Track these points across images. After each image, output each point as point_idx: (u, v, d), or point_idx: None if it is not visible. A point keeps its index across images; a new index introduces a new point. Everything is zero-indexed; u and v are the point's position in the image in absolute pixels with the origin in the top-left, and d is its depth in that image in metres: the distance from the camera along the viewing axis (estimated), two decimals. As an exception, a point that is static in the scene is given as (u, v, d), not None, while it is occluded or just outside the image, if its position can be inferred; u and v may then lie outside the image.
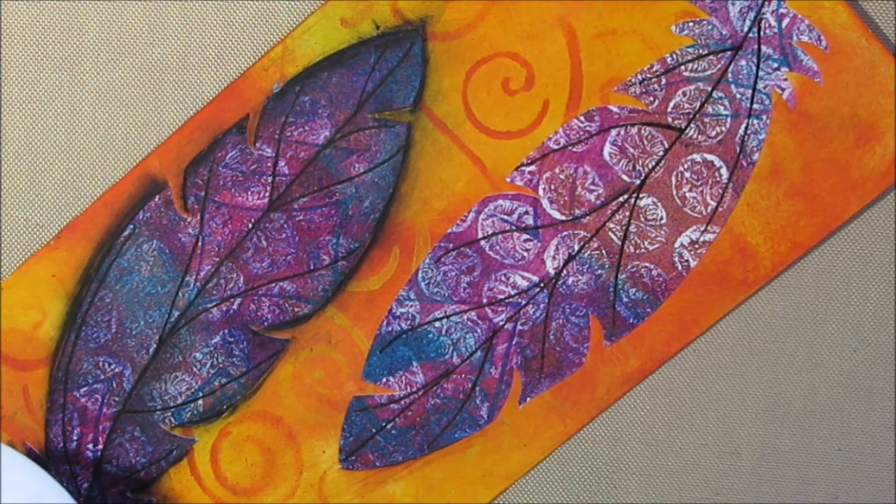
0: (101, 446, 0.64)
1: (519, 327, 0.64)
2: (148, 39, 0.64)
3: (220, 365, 0.64)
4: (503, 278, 0.64)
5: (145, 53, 0.64)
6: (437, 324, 0.64)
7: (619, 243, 0.64)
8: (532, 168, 0.63)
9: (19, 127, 0.64)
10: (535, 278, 0.64)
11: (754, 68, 0.63)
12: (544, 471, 0.66)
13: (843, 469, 0.66)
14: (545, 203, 0.64)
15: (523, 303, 0.64)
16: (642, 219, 0.63)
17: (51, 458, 0.64)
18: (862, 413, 0.66)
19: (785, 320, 0.66)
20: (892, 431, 0.66)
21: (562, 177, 0.63)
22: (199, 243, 0.63)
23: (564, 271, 0.64)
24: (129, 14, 0.64)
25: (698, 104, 0.63)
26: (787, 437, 0.66)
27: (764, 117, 0.63)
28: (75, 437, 0.64)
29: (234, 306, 0.64)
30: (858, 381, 0.66)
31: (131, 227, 0.63)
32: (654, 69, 0.63)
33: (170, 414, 0.64)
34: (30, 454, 0.64)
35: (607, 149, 0.63)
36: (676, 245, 0.63)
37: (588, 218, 0.64)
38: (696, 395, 0.66)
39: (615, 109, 0.63)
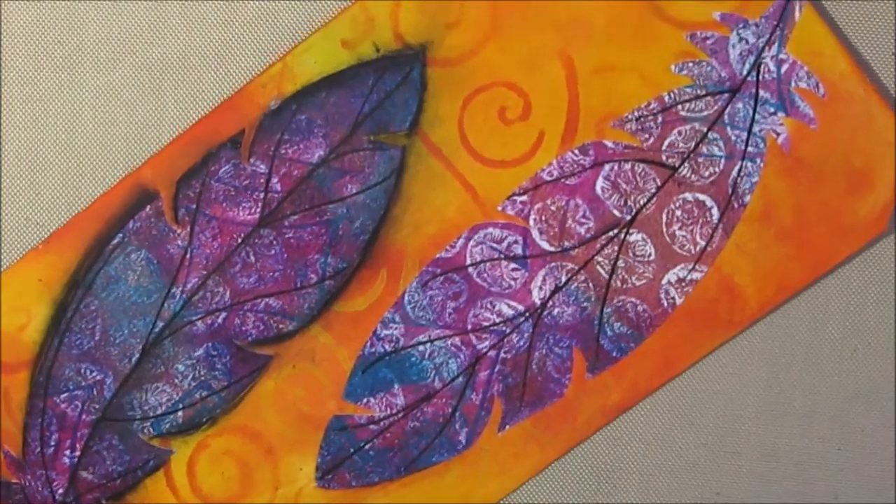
0: (78, 453, 0.64)
1: (502, 355, 0.64)
2: (148, 39, 0.64)
3: (202, 378, 0.64)
4: (489, 306, 0.64)
5: (145, 53, 0.64)
6: (421, 347, 0.64)
7: (607, 277, 0.64)
8: (524, 198, 0.63)
9: (19, 126, 0.64)
10: (521, 307, 0.64)
11: (751, 111, 0.63)
12: (544, 471, 0.66)
13: (843, 469, 0.66)
14: (535, 233, 0.64)
15: (508, 331, 0.64)
16: (631, 254, 0.64)
17: (27, 463, 0.64)
18: (862, 413, 0.66)
19: (785, 320, 0.66)
20: (892, 431, 0.66)
21: (553, 208, 0.63)
22: (188, 255, 0.63)
23: (550, 302, 0.64)
24: (130, 13, 0.64)
25: (693, 144, 0.63)
26: (787, 437, 0.66)
27: (758, 160, 0.63)
28: (53, 443, 0.64)
29: (219, 320, 0.64)
30: (858, 381, 0.66)
31: (121, 235, 0.63)
32: (652, 107, 0.63)
33: (149, 424, 0.64)
34: (7, 457, 0.63)
35: (600, 183, 0.63)
36: (664, 282, 0.64)
37: (577, 250, 0.64)
38: (696, 395, 0.66)
39: (610, 144, 0.63)
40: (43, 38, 0.64)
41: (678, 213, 0.63)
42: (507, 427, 0.64)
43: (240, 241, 0.63)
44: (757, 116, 0.63)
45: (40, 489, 0.64)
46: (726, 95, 0.63)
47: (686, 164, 0.63)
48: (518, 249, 0.64)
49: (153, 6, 0.64)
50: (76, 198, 0.64)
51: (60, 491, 0.64)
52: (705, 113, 0.63)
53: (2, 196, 0.64)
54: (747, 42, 0.63)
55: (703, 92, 0.63)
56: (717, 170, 0.63)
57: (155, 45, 0.64)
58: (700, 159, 0.63)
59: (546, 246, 0.64)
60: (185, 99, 0.64)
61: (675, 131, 0.63)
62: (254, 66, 0.64)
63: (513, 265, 0.64)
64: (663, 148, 0.63)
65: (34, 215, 0.64)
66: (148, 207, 0.63)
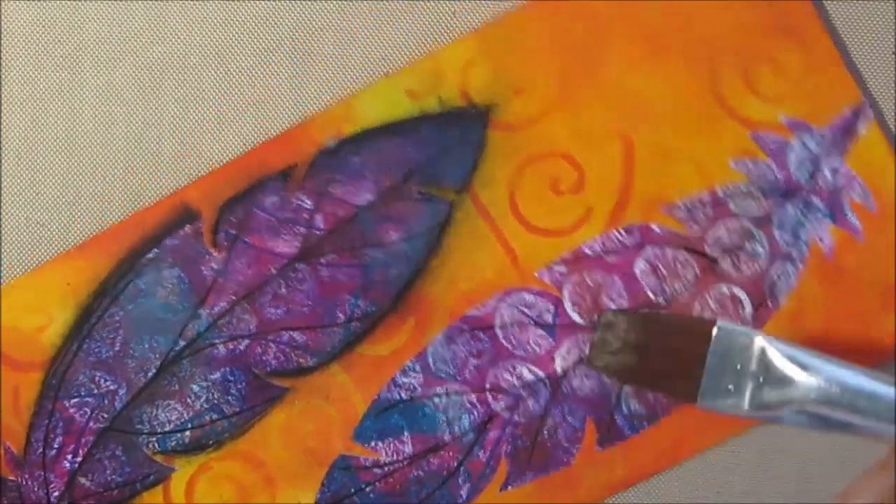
0: (80, 458, 0.63)
1: (515, 417, 0.64)
2: (148, 39, 0.63)
3: (215, 401, 0.63)
4: (510, 368, 0.64)
5: (145, 53, 0.63)
6: (437, 399, 0.64)
7: (631, 356, 0.64)
8: (562, 268, 0.63)
9: (19, 126, 0.63)
10: (542, 374, 0.64)
11: (800, 216, 0.63)
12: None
13: (843, 469, 0.66)
14: (567, 304, 0.63)
15: (525, 395, 0.64)
16: (658, 337, 0.63)
17: (27, 462, 0.63)
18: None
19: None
20: (892, 432, 0.66)
21: (589, 282, 0.63)
22: (220, 279, 0.63)
23: (572, 372, 0.64)
24: (130, 13, 0.63)
25: (738, 239, 0.63)
26: (787, 437, 0.66)
27: (799, 264, 0.63)
28: (56, 445, 0.63)
29: (241, 347, 0.63)
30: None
31: (156, 250, 0.62)
32: (703, 198, 0.63)
33: (155, 440, 0.63)
34: (7, 454, 0.63)
35: (639, 265, 0.63)
36: (686, 368, 0.64)
37: (606, 326, 0.63)
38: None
39: (656, 229, 0.63)
40: (43, 38, 0.64)
41: (711, 303, 0.63)
42: (510, 488, 0.64)
43: (274, 272, 0.63)
44: (805, 222, 0.63)
45: (36, 489, 0.63)
46: (778, 198, 0.63)
47: (727, 258, 0.63)
48: (548, 317, 0.63)
49: (153, 6, 0.63)
50: (76, 198, 0.63)
51: (56, 494, 0.63)
52: (755, 212, 0.63)
53: (2, 196, 0.64)
54: (808, 149, 0.63)
55: (757, 191, 0.63)
56: (757, 268, 0.63)
57: (155, 45, 0.64)
58: (742, 255, 0.63)
59: (576, 318, 0.64)
60: (185, 99, 0.64)
61: (723, 225, 0.63)
62: (254, 66, 0.64)
63: (540, 332, 0.64)
64: (708, 239, 0.63)
65: (34, 215, 0.64)
66: (187, 226, 0.62)
